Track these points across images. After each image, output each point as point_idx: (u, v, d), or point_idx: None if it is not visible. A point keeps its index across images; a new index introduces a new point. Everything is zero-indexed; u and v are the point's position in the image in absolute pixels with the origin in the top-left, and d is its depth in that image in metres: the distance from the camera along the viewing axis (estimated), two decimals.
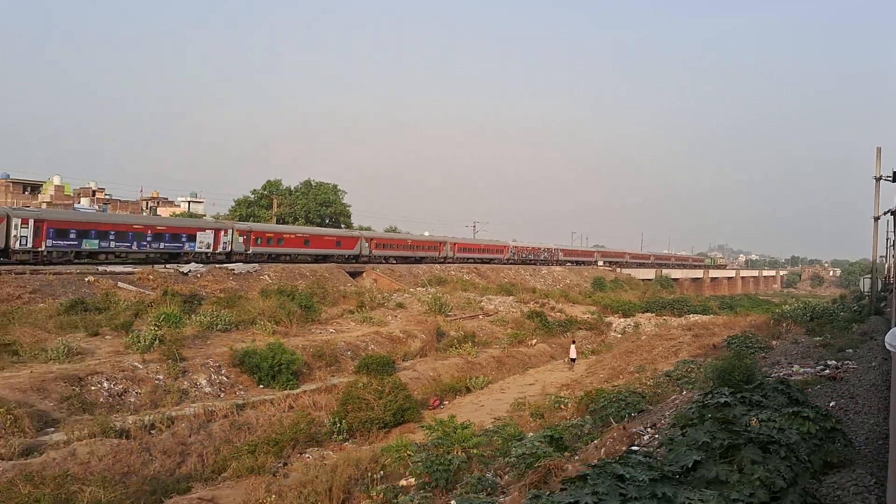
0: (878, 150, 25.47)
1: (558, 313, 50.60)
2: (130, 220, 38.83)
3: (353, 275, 56.57)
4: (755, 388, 8.87)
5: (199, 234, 36.46)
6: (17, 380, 20.15)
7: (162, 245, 36.27)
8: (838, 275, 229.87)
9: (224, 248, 39.19)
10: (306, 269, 51.17)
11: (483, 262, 64.59)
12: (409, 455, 13.66)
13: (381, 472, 15.12)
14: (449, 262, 62.55)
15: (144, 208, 72.95)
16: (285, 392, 24.12)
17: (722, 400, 7.21)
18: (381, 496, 13.42)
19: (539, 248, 79.62)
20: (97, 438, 17.47)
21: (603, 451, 9.82)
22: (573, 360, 32.03)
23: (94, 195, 69.81)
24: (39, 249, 31.07)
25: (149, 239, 35.07)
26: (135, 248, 34.99)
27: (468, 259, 65.18)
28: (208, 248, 38.33)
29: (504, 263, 68.25)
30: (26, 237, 30.18)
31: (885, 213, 25.47)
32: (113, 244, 34.04)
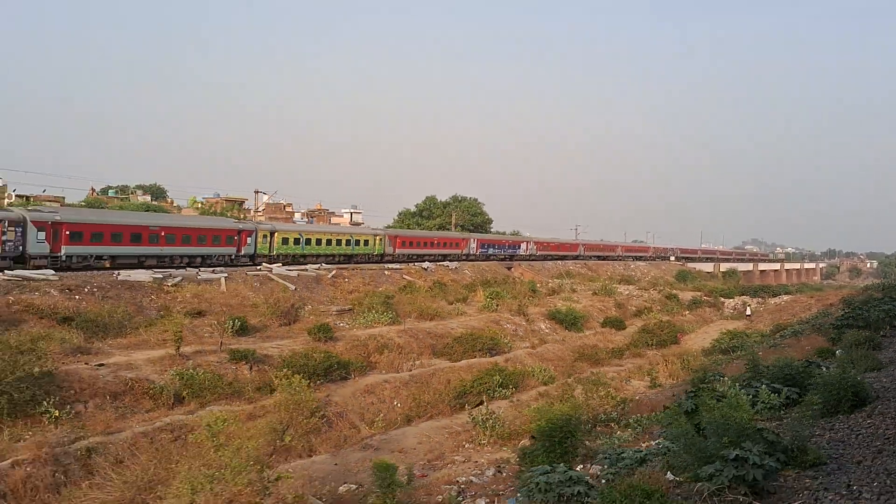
0: None
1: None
2: (502, 238, 68.55)
3: (507, 268, 77.16)
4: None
5: (521, 244, 59.82)
6: (472, 321, 40.19)
7: (510, 251, 64.74)
8: (875, 266, 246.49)
9: (529, 252, 67.12)
10: (484, 266, 71.37)
11: (636, 258, 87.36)
12: (727, 340, 33.51)
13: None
14: (581, 259, 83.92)
15: (313, 217, 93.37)
16: (581, 333, 44.13)
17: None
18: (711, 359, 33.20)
19: (666, 249, 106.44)
20: (546, 344, 37.55)
21: None
22: (749, 315, 51.84)
23: (284, 209, 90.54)
24: (477, 254, 61.48)
25: (505, 247, 61.81)
26: (500, 252, 63.90)
27: (627, 257, 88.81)
28: (524, 251, 66.36)
29: (645, 261, 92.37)
30: (473, 247, 59.53)
31: None
32: (497, 251, 63.02)
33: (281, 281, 44.11)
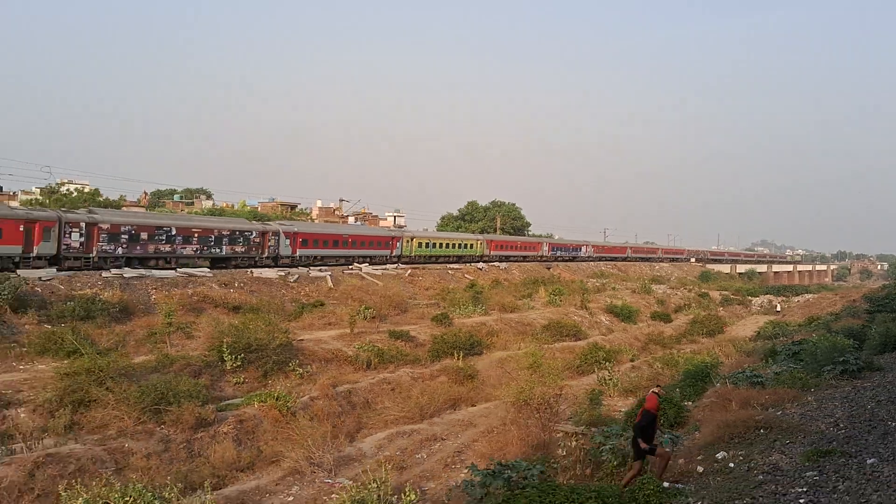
0: None
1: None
2: (567, 242, 78.59)
3: (547, 268, 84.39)
4: None
5: (582, 247, 66.95)
6: (546, 314, 47.21)
7: (573, 252, 76.35)
8: (885, 268, 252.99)
9: (588, 254, 75.39)
10: (527, 266, 78.47)
11: (672, 260, 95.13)
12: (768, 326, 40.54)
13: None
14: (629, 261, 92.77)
15: (364, 220, 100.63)
16: (638, 324, 51.15)
17: None
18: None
19: (699, 251, 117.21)
20: (613, 333, 44.57)
21: None
22: (778, 311, 58.88)
23: (333, 213, 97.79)
24: (548, 255, 71.79)
25: (570, 249, 72.90)
26: (566, 254, 73.48)
27: (665, 258, 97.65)
28: (584, 253, 75.78)
29: (676, 262, 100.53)
30: (545, 249, 68.43)
31: None
32: (564, 253, 72.78)
33: (370, 279, 51.29)
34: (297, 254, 42.99)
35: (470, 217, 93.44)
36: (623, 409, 21.05)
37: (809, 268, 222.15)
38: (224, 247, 38.25)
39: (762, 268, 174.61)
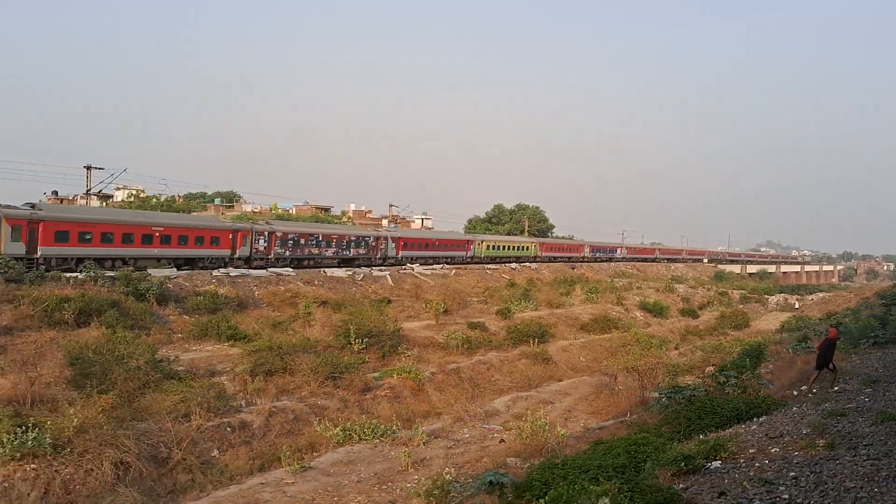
0: None
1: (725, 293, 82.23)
2: (605, 244, 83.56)
3: (572, 268, 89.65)
4: None
5: (617, 249, 72.38)
6: (588, 309, 52.36)
7: (610, 254, 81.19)
8: (891, 269, 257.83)
9: (622, 255, 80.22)
10: (555, 266, 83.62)
11: (694, 261, 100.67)
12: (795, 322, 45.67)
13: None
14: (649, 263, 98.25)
15: (396, 223, 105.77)
16: (669, 319, 56.28)
17: None
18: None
19: (718, 252, 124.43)
20: (651, 326, 49.68)
21: None
22: (796, 308, 64.05)
23: (365, 216, 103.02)
24: (590, 256, 75.97)
25: (607, 251, 79.12)
26: (604, 256, 79.03)
27: (688, 259, 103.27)
28: (619, 255, 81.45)
29: (692, 263, 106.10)
30: (587, 251, 73.23)
31: None
32: (602, 254, 79.27)
33: (422, 277, 56.47)
34: (400, 255, 49.66)
35: (497, 220, 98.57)
36: (690, 382, 26.25)
37: (817, 268, 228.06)
38: (352, 249, 45.84)
39: (771, 268, 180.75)
